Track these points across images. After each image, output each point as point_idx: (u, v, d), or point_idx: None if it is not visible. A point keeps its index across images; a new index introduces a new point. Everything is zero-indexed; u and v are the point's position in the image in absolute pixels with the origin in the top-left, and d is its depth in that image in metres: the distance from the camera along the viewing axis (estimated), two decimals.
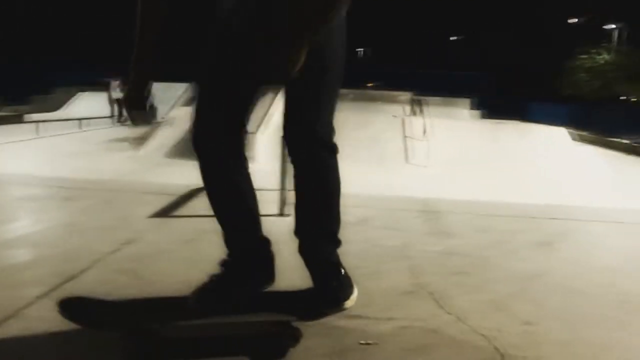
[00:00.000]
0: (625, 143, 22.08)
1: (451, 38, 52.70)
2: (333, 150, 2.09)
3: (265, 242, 2.24)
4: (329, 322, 2.20)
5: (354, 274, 2.60)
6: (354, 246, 3.40)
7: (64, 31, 37.14)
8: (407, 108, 19.39)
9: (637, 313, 2.62)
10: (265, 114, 13.30)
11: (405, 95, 21.09)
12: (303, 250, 2.16)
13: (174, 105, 17.32)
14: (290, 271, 2.27)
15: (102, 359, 1.98)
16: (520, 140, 13.85)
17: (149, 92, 2.19)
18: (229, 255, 2.15)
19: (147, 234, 3.63)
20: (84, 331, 2.03)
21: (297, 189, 2.13)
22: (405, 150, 14.32)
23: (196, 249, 3.34)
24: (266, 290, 2.15)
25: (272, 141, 8.29)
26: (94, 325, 2.04)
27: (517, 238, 3.88)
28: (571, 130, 17.86)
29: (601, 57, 35.49)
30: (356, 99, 21.17)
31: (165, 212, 4.31)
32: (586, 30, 37.69)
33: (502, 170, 9.57)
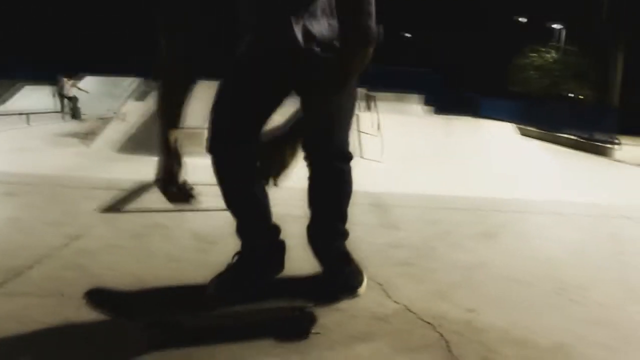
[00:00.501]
0: (571, 139, 22.78)
1: (404, 34, 53.22)
2: (349, 159, 2.23)
3: (275, 231, 2.35)
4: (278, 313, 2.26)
5: (301, 268, 2.67)
6: (303, 240, 3.45)
7: (16, 27, 35.97)
8: (361, 104, 19.56)
9: (572, 300, 2.74)
10: None
11: (359, 91, 21.25)
12: (316, 243, 2.33)
13: (125, 100, 17.04)
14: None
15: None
16: (470, 136, 14.12)
17: (180, 169, 2.22)
18: (243, 245, 2.27)
19: (95, 229, 3.59)
20: (30, 328, 2.02)
21: (312, 191, 2.26)
22: (359, 145, 14.46)
23: (146, 244, 3.33)
24: (278, 277, 2.31)
25: None
26: (122, 315, 2.12)
27: (463, 230, 3.99)
28: (520, 126, 18.32)
29: (550, 55, 36.49)
30: None
31: (115, 207, 4.27)
32: (533, 28, 38.58)
33: (453, 164, 9.75)
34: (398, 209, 4.51)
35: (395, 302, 2.53)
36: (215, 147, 2.18)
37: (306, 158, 2.21)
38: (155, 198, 4.54)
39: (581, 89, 35.40)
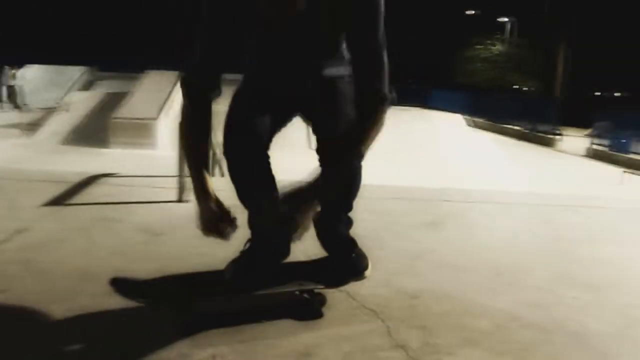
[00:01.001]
0: (517, 130, 23.39)
1: None
2: (362, 157, 2.24)
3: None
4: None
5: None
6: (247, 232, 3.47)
7: None
8: None
9: (509, 284, 2.86)
10: (165, 100, 13.07)
11: None
12: (324, 230, 2.42)
13: (69, 90, 16.66)
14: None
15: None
16: (421, 126, 14.32)
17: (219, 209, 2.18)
18: (253, 233, 2.35)
19: (38, 223, 3.53)
20: None
21: (324, 184, 2.22)
22: (308, 136, 14.46)
23: (90, 237, 3.30)
24: (287, 262, 2.42)
25: (172, 128, 8.15)
26: (148, 301, 2.21)
27: (410, 219, 4.08)
28: (467, 117, 18.71)
29: (495, 47, 37.32)
30: None
31: (59, 200, 4.19)
32: (482, 21, 39.36)
33: (402, 155, 9.90)
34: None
35: (339, 290, 2.58)
36: (232, 147, 2.22)
37: (323, 157, 2.24)
38: (99, 191, 4.51)
39: (525, 82, 36.37)
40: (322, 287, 2.38)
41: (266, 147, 2.26)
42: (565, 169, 13.89)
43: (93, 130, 11.52)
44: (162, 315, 2.18)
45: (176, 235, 3.39)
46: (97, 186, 4.71)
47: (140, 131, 11.78)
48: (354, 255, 2.48)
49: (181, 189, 4.25)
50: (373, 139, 2.17)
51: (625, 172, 13.43)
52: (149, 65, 15.54)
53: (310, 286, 2.35)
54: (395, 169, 7.92)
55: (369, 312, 2.40)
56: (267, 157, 2.29)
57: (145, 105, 12.49)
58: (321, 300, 2.40)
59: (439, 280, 2.84)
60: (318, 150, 2.24)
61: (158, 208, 4.07)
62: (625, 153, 16.83)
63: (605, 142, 18.52)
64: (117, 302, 2.18)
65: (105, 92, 14.83)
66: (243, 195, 2.30)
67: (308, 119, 2.34)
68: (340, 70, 2.25)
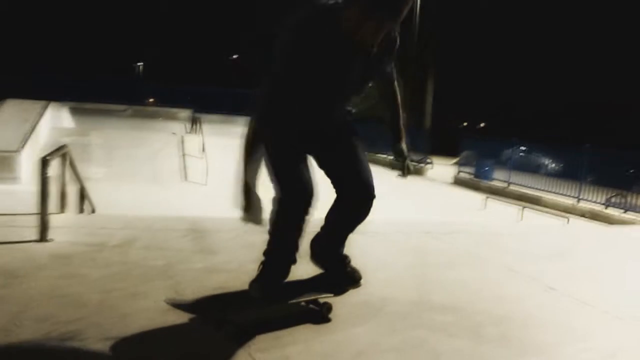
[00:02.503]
0: (388, 159, 24.32)
1: (233, 57, 53.63)
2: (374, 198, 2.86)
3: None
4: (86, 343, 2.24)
5: (109, 297, 2.67)
6: (114, 268, 3.42)
7: None
8: (187, 125, 19.39)
9: (378, 310, 2.99)
10: (31, 131, 12.40)
11: (186, 113, 21.06)
12: (326, 251, 2.93)
13: None
14: None
15: None
16: None
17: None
18: (271, 259, 2.81)
19: None
20: None
21: (342, 216, 2.92)
22: (184, 168, 14.34)
23: None
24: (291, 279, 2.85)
25: (36, 160, 7.75)
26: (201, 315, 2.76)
27: None
28: None
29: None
30: (135, 115, 20.64)
31: None
32: None
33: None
34: (217, 234, 4.56)
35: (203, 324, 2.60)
36: (293, 202, 2.71)
37: (347, 194, 2.87)
38: None
39: None
40: (331, 295, 2.85)
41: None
42: (435, 196, 14.66)
43: None
44: None
45: (38, 276, 3.22)
46: None
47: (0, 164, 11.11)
48: (349, 269, 2.93)
49: (43, 226, 3.99)
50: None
51: (487, 197, 14.39)
52: (8, 93, 14.87)
53: (322, 295, 2.84)
54: (267, 201, 7.94)
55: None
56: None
57: (5, 136, 11.79)
58: (329, 308, 2.86)
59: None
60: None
61: (18, 249, 3.83)
62: (488, 180, 18.01)
63: (470, 170, 19.73)
64: None
65: None
66: (284, 236, 2.76)
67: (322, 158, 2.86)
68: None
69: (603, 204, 13.12)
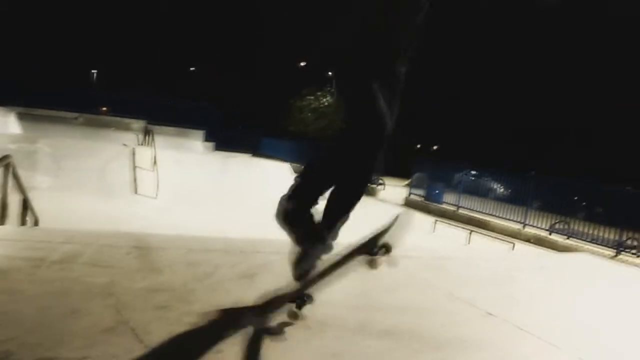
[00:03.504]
0: None
1: (190, 69, 53.36)
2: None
3: None
4: None
5: (46, 315, 2.60)
6: (53, 285, 3.33)
7: None
8: (140, 137, 19.17)
9: (315, 334, 3.01)
10: None
11: (139, 124, 20.83)
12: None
13: None
14: None
15: None
16: (248, 174, 14.57)
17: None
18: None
19: None
20: None
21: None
22: (135, 181, 14.14)
23: None
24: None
25: None
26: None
27: (224, 271, 4.11)
28: (295, 164, 19.30)
29: (326, 99, 39.21)
30: (87, 123, 20.30)
31: None
32: (312, 73, 41.21)
33: (227, 202, 9.98)
34: (161, 251, 4.50)
35: (145, 346, 2.56)
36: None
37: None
38: None
39: None
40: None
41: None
42: (384, 218, 14.75)
43: None
44: None
45: None
46: None
47: None
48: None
49: None
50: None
51: (436, 220, 14.64)
52: None
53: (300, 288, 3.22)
54: (218, 216, 7.96)
55: None
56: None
57: None
58: (312, 297, 3.19)
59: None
60: None
61: None
62: (438, 203, 18.34)
63: (421, 192, 20.06)
64: None
65: None
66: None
67: None
68: None
69: (547, 229, 13.52)
